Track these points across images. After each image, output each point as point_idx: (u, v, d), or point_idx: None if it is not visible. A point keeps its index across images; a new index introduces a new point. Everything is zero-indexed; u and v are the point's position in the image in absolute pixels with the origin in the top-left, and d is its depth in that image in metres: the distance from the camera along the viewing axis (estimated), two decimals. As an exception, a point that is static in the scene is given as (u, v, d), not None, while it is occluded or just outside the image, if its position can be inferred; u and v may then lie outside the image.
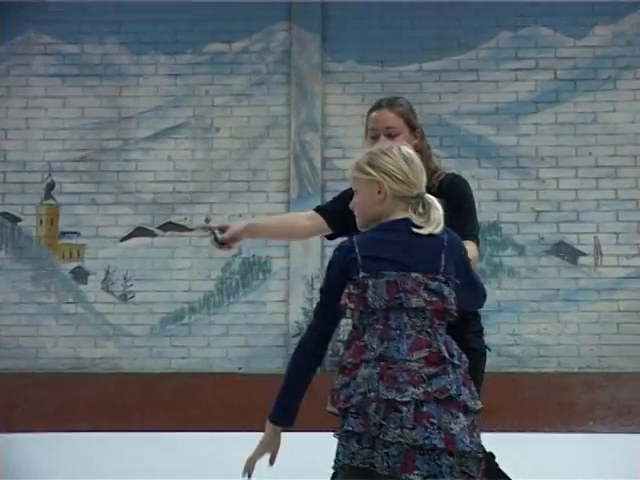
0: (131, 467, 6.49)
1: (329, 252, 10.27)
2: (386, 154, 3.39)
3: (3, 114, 9.66)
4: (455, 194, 4.19)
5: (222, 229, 4.31)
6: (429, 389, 3.08)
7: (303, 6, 9.69)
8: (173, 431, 8.33)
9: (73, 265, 9.53)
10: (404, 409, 3.06)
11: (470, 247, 3.93)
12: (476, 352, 4.23)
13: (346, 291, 3.26)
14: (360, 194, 3.43)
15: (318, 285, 9.29)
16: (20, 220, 9.42)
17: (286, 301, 9.47)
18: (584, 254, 9.46)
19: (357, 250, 3.31)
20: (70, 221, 9.46)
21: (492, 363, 9.49)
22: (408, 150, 3.42)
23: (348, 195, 4.06)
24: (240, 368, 9.43)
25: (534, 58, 9.63)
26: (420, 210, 3.34)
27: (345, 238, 3.48)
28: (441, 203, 3.82)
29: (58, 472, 6.23)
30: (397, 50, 9.63)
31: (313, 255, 9.41)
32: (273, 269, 9.56)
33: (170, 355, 9.30)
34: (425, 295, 3.19)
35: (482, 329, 4.45)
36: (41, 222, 9.45)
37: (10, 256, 9.42)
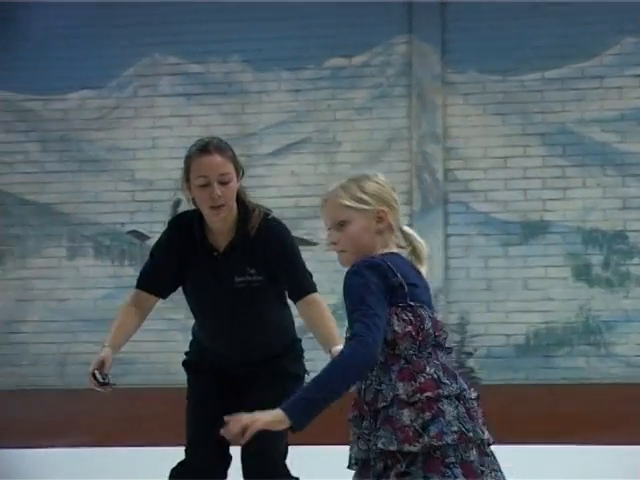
0: None
1: (453, 263, 10.17)
2: (376, 181, 3.20)
3: (131, 135, 9.89)
4: (279, 243, 4.18)
5: (99, 370, 4.00)
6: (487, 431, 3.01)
7: (423, 18, 9.68)
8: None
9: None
10: (489, 451, 2.99)
11: (324, 304, 4.14)
12: (292, 375, 4.20)
13: (402, 317, 3.01)
14: (353, 225, 3.12)
15: (442, 297, 9.27)
16: (148, 238, 9.61)
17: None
18: None
19: (398, 275, 3.03)
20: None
21: (621, 373, 9.35)
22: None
23: (164, 251, 4.21)
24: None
25: (659, 63, 9.46)
26: (402, 244, 3.22)
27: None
28: (259, 248, 4.06)
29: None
30: (518, 59, 9.54)
31: (437, 266, 9.36)
32: (397, 281, 9.56)
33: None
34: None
35: (302, 352, 4.39)
36: (169, 238, 9.61)
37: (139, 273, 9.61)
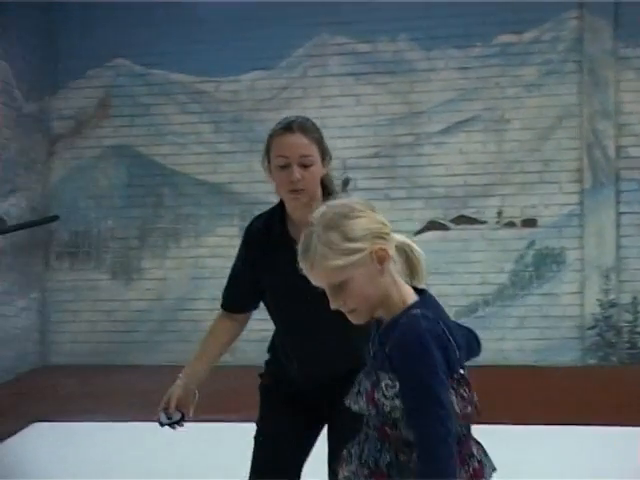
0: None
1: (625, 242, 9.97)
2: (357, 216, 2.65)
3: (301, 114, 10.00)
4: None
5: (166, 410, 3.70)
6: None
7: (594, -8, 9.50)
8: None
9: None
10: None
11: None
12: None
13: (461, 393, 2.66)
14: (354, 281, 2.62)
15: (614, 276, 9.10)
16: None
17: (581, 292, 9.33)
18: None
19: (451, 338, 2.64)
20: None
21: None
22: (358, 199, 2.74)
23: (242, 262, 3.88)
24: (536, 361, 9.38)
25: None
26: (395, 258, 2.72)
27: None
28: None
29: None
30: (695, 32, 9.28)
31: (608, 245, 9.21)
32: (567, 260, 9.44)
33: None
34: None
35: None
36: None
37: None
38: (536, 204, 9.46)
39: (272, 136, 3.75)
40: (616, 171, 9.35)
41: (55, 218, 10.40)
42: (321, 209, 2.71)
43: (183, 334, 9.94)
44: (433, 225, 9.69)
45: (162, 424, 3.67)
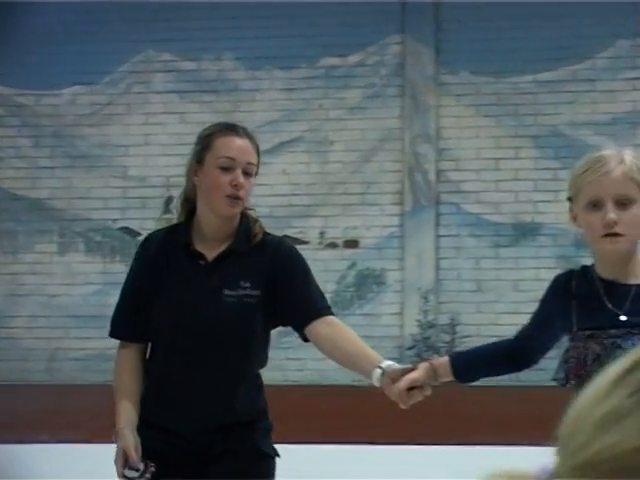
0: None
1: (444, 264, 10.17)
2: None
3: (124, 131, 9.89)
4: (289, 257, 3.48)
5: (126, 464, 3.22)
6: None
7: (416, 18, 9.69)
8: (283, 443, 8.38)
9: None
10: None
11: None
12: (265, 456, 3.41)
13: None
14: (638, 207, 2.76)
15: (433, 297, 9.28)
16: (139, 234, 9.61)
17: (401, 313, 9.48)
18: None
19: None
20: (188, 234, 9.61)
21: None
22: None
23: (134, 282, 3.45)
24: (354, 380, 9.46)
25: (652, 67, 9.48)
26: None
27: None
28: (260, 260, 3.35)
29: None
30: (511, 61, 9.56)
31: (427, 267, 9.39)
32: (388, 281, 9.58)
33: (286, 367, 9.37)
34: None
35: (272, 428, 3.50)
36: (160, 235, 9.61)
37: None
38: (358, 225, 9.57)
39: (213, 134, 3.38)
40: (436, 194, 9.55)
41: None
42: None
43: (0, 352, 9.64)
44: (256, 245, 9.67)
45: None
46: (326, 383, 9.31)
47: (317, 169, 9.73)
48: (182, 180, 3.63)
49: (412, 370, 3.15)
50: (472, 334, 9.41)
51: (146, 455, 3.25)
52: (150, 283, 3.39)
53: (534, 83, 9.56)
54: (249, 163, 3.35)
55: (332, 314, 3.42)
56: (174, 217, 3.75)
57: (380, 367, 3.25)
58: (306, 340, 3.42)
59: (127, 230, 9.80)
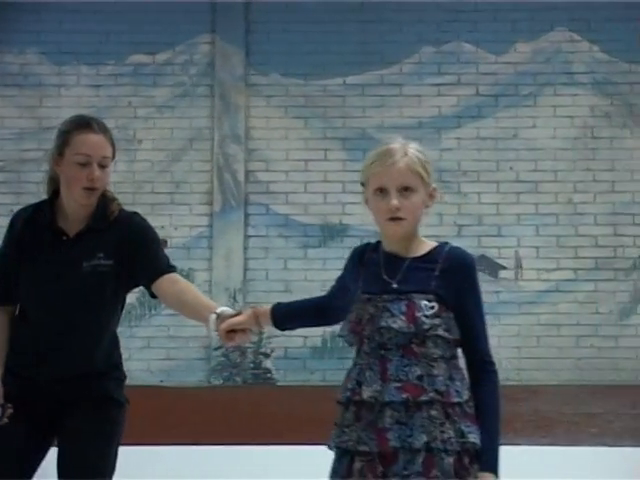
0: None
1: (252, 264, 10.17)
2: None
3: None
4: (138, 228, 4.04)
5: None
6: None
7: (226, 19, 9.67)
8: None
9: None
10: None
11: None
12: (117, 403, 4.15)
13: None
14: (417, 195, 3.19)
15: (240, 297, 9.26)
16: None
17: (208, 314, 9.40)
18: (505, 268, 9.55)
19: None
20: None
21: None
22: None
23: (9, 248, 4.00)
24: (162, 381, 9.36)
25: (456, 73, 9.71)
26: None
27: None
28: (114, 233, 3.92)
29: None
30: (321, 64, 9.65)
31: (236, 267, 9.38)
32: (196, 281, 9.49)
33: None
34: None
35: (125, 378, 4.32)
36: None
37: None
38: (166, 225, 9.45)
39: (70, 132, 3.87)
40: (245, 195, 9.54)
41: None
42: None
43: None
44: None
45: None
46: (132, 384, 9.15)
47: (125, 167, 9.56)
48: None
49: (238, 314, 3.73)
50: (279, 334, 9.42)
51: (8, 400, 3.79)
52: (17, 255, 3.91)
53: (343, 86, 9.67)
54: (104, 157, 3.85)
55: (175, 272, 3.99)
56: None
57: (216, 313, 3.84)
58: (154, 296, 4.00)
59: None
